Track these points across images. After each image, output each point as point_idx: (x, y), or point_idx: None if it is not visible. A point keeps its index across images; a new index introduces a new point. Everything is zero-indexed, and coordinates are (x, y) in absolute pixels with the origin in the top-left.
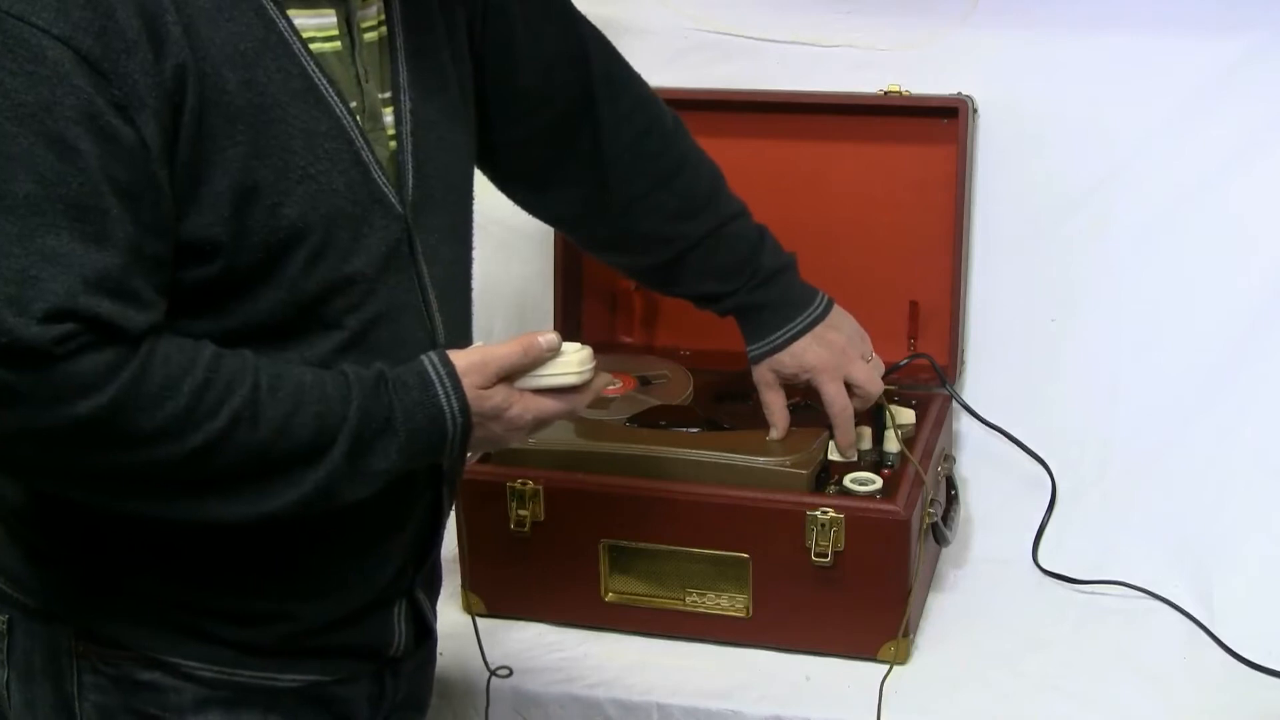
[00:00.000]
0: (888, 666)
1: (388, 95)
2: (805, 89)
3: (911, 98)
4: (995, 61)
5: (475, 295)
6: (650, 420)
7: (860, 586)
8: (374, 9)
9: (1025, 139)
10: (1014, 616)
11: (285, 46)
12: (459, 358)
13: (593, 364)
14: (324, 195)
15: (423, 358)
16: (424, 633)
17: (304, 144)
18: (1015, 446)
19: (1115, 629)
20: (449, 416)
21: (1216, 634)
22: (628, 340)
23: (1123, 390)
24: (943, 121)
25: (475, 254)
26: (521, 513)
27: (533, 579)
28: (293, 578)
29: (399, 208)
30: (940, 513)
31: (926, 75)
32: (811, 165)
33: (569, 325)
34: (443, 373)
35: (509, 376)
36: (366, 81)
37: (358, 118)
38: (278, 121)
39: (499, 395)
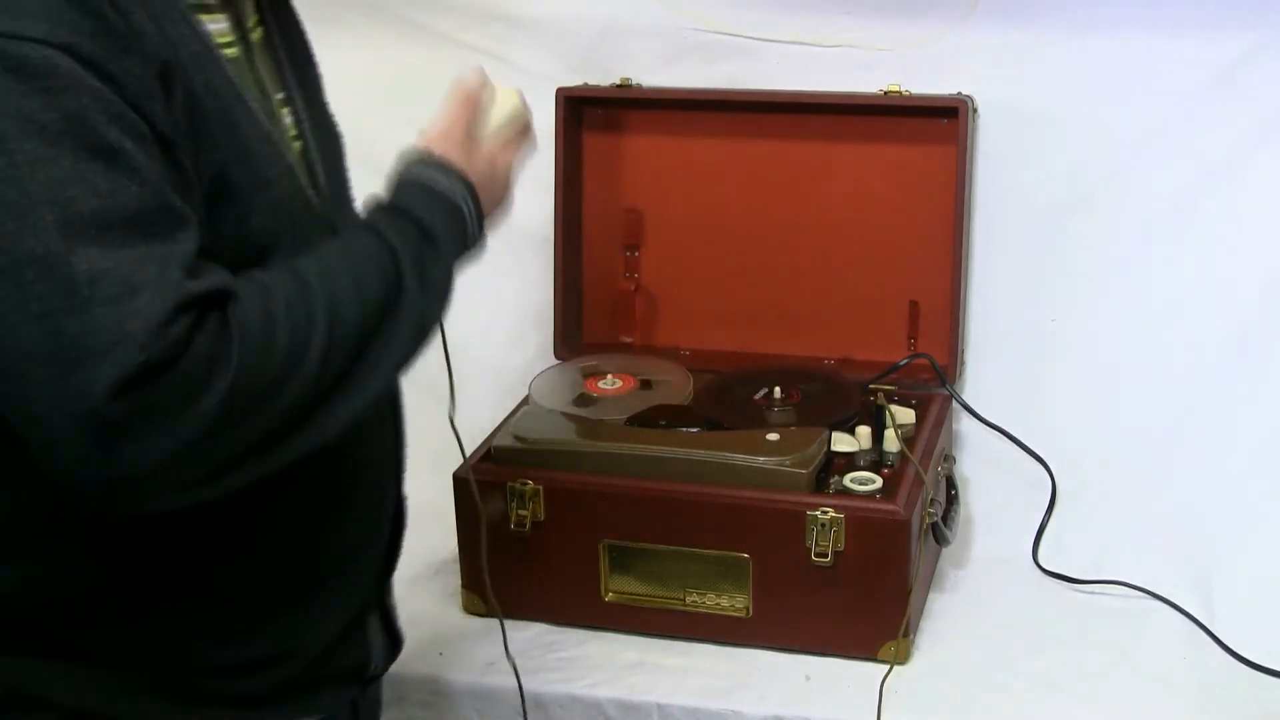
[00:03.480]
0: (888, 666)
1: (281, 96)
2: (805, 89)
3: (911, 98)
4: (995, 61)
5: (475, 297)
6: (650, 420)
7: (860, 586)
8: (249, 7)
9: (1025, 139)
10: (1014, 616)
11: (214, 53)
12: (432, 144)
13: (518, 89)
14: (280, 203)
15: (402, 171)
16: (395, 643)
17: (259, 148)
18: (1015, 446)
19: (1115, 629)
20: (460, 198)
21: (1216, 634)
22: (628, 340)
23: (1123, 390)
24: (943, 121)
25: None
26: (521, 513)
27: (533, 579)
28: (281, 611)
29: (322, 212)
30: (940, 513)
31: (926, 75)
32: (811, 165)
33: (569, 325)
34: (432, 166)
35: (471, 134)
36: (266, 85)
37: (269, 123)
38: (236, 126)
39: (479, 152)
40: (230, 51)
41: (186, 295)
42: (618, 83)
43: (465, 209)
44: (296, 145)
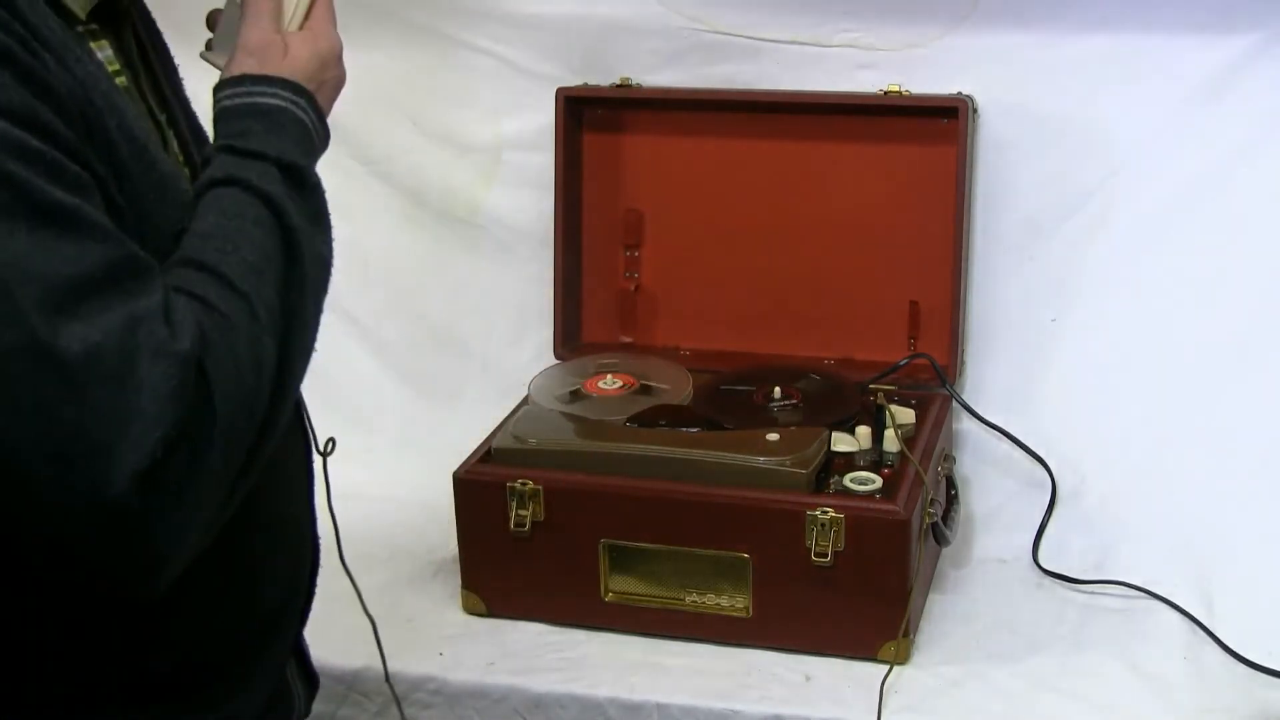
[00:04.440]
0: (888, 666)
1: (165, 119)
2: (805, 89)
3: (911, 98)
4: (995, 61)
5: (476, 296)
6: (650, 420)
7: (860, 586)
8: (128, 31)
9: (1025, 139)
10: (1014, 616)
11: (117, 89)
12: (243, 63)
13: None
14: None
15: (232, 103)
16: (313, 685)
17: (173, 187)
18: (1015, 446)
19: (1115, 629)
20: (299, 109)
21: (1216, 634)
22: (628, 340)
23: (1123, 390)
24: (943, 121)
25: (476, 254)
26: (521, 513)
27: (533, 579)
28: (216, 684)
29: None
30: (940, 513)
31: (926, 75)
32: (811, 165)
33: (569, 325)
34: (257, 89)
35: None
36: (155, 111)
37: (169, 159)
38: (153, 166)
39: (299, 48)
40: (120, 81)
41: (182, 355)
42: (618, 83)
43: (307, 119)
44: (186, 173)
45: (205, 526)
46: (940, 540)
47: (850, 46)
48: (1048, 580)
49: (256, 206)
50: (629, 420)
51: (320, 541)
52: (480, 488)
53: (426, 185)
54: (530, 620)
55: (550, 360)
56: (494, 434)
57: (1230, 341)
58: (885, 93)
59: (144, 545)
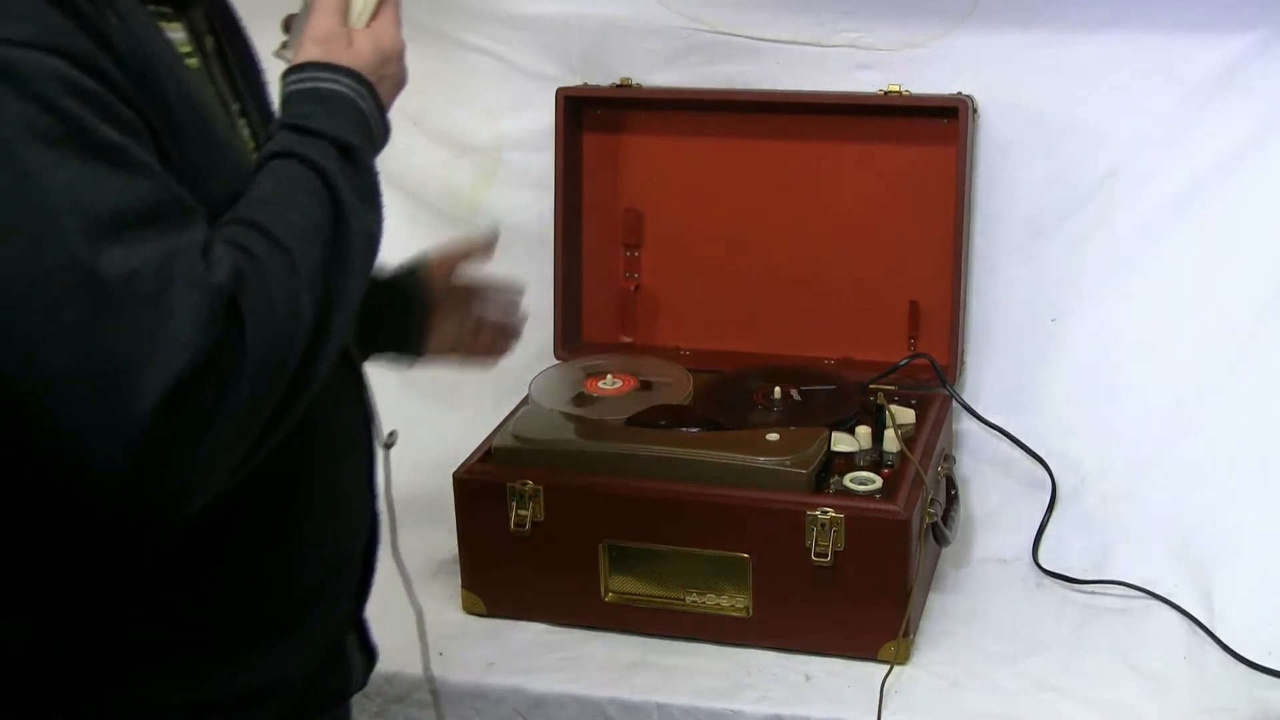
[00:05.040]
0: (888, 666)
1: (237, 107)
2: (805, 89)
3: (911, 98)
4: (995, 61)
5: None
6: (650, 420)
7: (860, 586)
8: (201, 15)
9: (1025, 139)
10: (1014, 616)
11: (183, 61)
12: (309, 52)
13: None
14: None
15: (297, 87)
16: (371, 658)
17: (232, 159)
18: (1015, 446)
19: (1115, 629)
20: (359, 97)
21: (1216, 634)
22: (628, 340)
23: (1123, 390)
24: (943, 121)
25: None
26: (521, 513)
27: (533, 579)
28: (268, 640)
29: None
30: (940, 513)
31: (926, 75)
32: (811, 165)
33: (569, 325)
34: (321, 75)
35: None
36: (225, 96)
37: (232, 136)
38: (210, 136)
39: (363, 42)
40: (191, 62)
41: (215, 287)
42: (618, 83)
43: (366, 107)
44: (254, 158)
45: (232, 465)
46: (940, 540)
47: (850, 46)
48: (1048, 580)
49: (311, 179)
50: (629, 420)
51: (380, 523)
52: (480, 488)
53: (426, 185)
54: (530, 620)
55: (550, 360)
56: (494, 434)
57: (1230, 341)
58: (885, 93)
59: (166, 470)
